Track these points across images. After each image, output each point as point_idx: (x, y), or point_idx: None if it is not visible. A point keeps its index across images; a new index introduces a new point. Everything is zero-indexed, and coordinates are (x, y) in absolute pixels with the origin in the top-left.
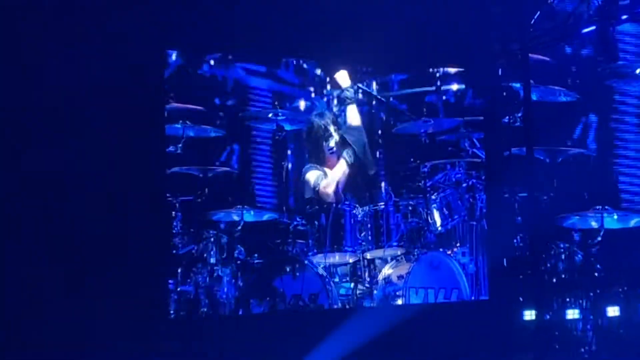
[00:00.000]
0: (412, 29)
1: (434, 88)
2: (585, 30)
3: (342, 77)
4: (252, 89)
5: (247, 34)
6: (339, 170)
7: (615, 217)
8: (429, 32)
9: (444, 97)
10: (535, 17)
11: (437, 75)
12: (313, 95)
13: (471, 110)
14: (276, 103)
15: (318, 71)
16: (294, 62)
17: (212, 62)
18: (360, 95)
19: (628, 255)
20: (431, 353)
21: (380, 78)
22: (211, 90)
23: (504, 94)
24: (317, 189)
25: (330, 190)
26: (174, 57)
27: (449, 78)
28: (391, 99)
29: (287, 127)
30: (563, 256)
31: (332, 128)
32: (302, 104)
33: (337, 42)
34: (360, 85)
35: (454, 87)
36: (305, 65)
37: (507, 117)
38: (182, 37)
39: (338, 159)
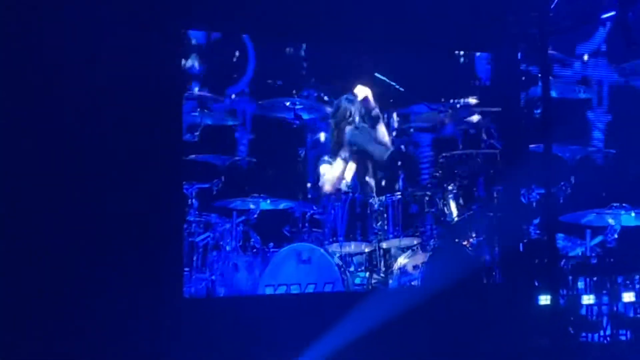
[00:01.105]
0: (431, 12)
1: (451, 123)
2: (605, 15)
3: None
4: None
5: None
6: (337, 170)
7: (633, 214)
8: (448, 16)
9: (464, 131)
10: (555, 1)
11: (458, 106)
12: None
13: (490, 141)
14: (294, 92)
15: None
16: (315, 94)
17: (233, 96)
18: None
19: None
20: (446, 336)
21: (401, 109)
22: (233, 129)
23: (523, 78)
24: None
25: (327, 188)
26: (196, 90)
27: (469, 109)
28: (412, 130)
29: (305, 116)
30: (580, 251)
31: (357, 117)
32: (322, 136)
33: (355, 22)
34: (377, 74)
35: (474, 118)
36: (325, 98)
37: (525, 107)
38: (202, 16)
39: None
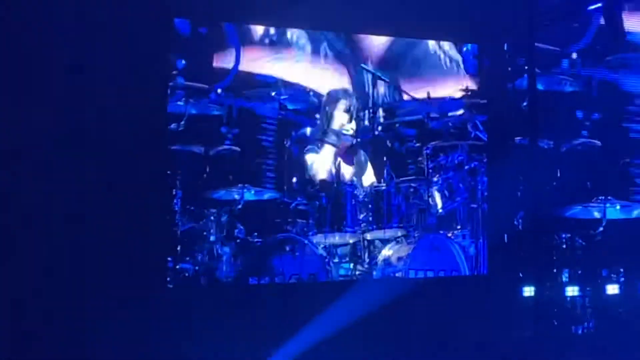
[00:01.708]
0: (418, 4)
1: (438, 115)
2: (592, 7)
3: None
4: (259, 116)
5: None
6: (326, 157)
7: (618, 207)
8: (435, 7)
9: (450, 123)
10: None
11: (444, 99)
12: (319, 122)
13: (476, 132)
14: (279, 83)
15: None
16: (301, 87)
17: (219, 91)
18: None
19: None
20: (430, 327)
21: (386, 104)
22: (218, 119)
23: (509, 69)
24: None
25: (321, 176)
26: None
27: (455, 102)
28: (397, 125)
29: (290, 107)
30: (564, 245)
31: (354, 112)
32: (308, 131)
33: (343, 13)
34: (363, 65)
35: (460, 112)
36: (311, 93)
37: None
38: (190, 5)
39: (351, 147)
